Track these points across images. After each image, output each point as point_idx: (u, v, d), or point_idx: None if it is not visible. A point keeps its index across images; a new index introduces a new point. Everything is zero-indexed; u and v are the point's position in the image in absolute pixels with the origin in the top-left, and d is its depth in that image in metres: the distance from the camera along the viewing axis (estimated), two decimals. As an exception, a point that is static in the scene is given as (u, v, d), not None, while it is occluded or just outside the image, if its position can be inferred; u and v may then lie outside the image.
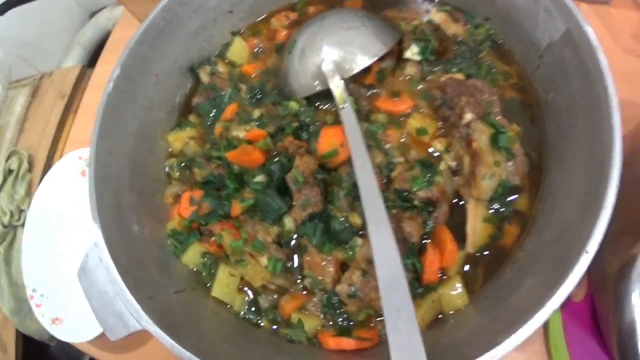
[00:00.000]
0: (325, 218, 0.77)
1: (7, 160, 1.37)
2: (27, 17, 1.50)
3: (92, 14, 1.77)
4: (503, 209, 0.77)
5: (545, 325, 0.81)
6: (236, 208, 0.80)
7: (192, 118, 0.97)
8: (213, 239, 0.80)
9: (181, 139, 0.94)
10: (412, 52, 0.85)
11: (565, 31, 0.74)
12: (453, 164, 0.80)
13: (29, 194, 1.34)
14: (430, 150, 0.81)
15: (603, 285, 0.71)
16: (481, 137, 0.75)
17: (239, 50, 1.00)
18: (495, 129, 0.76)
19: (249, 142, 0.82)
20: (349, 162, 0.79)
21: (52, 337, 1.36)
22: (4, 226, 1.33)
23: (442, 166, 0.79)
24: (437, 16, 0.91)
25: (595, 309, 0.77)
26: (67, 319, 1.10)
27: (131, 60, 0.88)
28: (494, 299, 0.70)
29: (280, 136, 0.83)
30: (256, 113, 0.90)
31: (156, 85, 0.94)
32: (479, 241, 0.75)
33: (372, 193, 0.68)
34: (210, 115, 0.95)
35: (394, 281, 0.61)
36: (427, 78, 0.86)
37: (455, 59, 0.87)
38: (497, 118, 0.79)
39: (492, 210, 0.77)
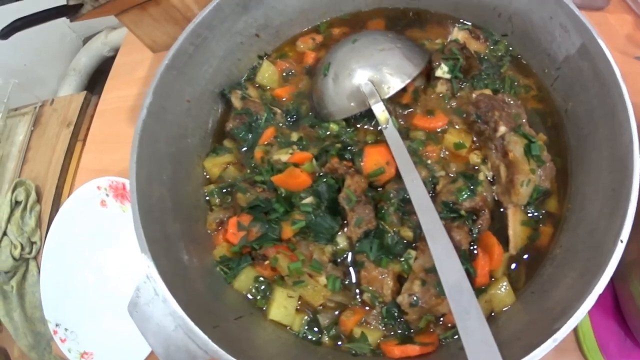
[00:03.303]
0: (378, 234, 0.80)
1: (13, 191, 1.33)
2: (22, 44, 1.47)
3: (86, 40, 1.74)
4: (537, 213, 0.81)
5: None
6: (287, 231, 0.82)
7: (227, 143, 0.98)
8: (267, 262, 0.82)
9: (218, 165, 0.94)
10: (443, 70, 0.89)
11: (581, 45, 0.79)
12: (490, 174, 0.84)
13: (39, 225, 1.31)
14: (467, 162, 0.85)
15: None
16: (516, 147, 0.80)
17: (268, 73, 1.01)
18: (527, 140, 0.81)
19: (295, 165, 0.84)
20: (394, 179, 0.83)
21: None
22: (15, 259, 1.29)
23: (481, 177, 0.83)
24: (459, 35, 0.95)
25: (617, 296, 0.82)
26: (98, 353, 1.09)
27: (163, 87, 0.88)
28: (540, 292, 0.74)
29: (325, 158, 0.85)
30: (295, 136, 0.92)
31: (188, 111, 0.94)
32: (520, 243, 0.80)
33: (426, 207, 0.73)
34: (246, 139, 0.96)
35: (458, 286, 0.65)
36: (457, 95, 0.91)
37: (480, 75, 0.92)
38: (525, 128, 0.84)
39: (529, 214, 0.81)
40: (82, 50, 1.67)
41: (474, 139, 0.87)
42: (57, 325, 1.14)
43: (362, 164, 0.83)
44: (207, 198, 0.94)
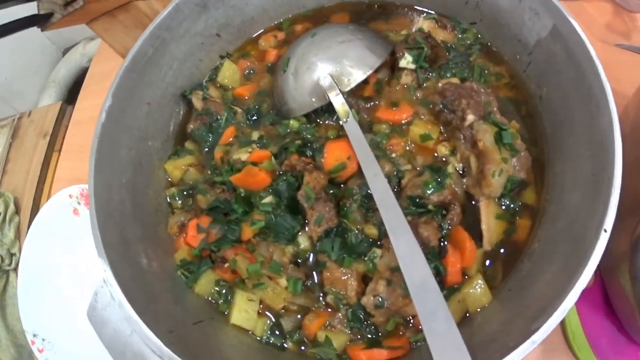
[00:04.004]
0: (340, 232, 0.76)
1: (-8, 204, 1.32)
2: (1, 58, 1.46)
3: (65, 51, 1.73)
4: (512, 205, 0.77)
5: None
6: (247, 231, 0.79)
7: (188, 145, 0.95)
8: (226, 265, 0.78)
9: (180, 167, 0.92)
10: (407, 60, 0.86)
11: (552, 27, 0.77)
12: (459, 165, 0.80)
13: (18, 237, 1.30)
14: (435, 154, 0.82)
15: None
16: (485, 136, 0.76)
17: (230, 73, 0.99)
18: (498, 127, 0.77)
19: (254, 163, 0.81)
20: (357, 174, 0.79)
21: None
22: (-5, 271, 1.28)
23: (450, 169, 0.79)
24: (425, 24, 0.92)
25: (607, 291, 0.79)
26: (75, 363, 1.06)
27: (122, 90, 0.86)
28: (518, 290, 0.71)
29: (284, 155, 0.82)
30: (255, 134, 0.89)
31: (149, 114, 0.92)
32: (495, 238, 0.76)
33: (389, 202, 0.69)
34: (207, 140, 0.93)
35: (424, 285, 0.61)
36: (424, 85, 0.87)
37: (448, 65, 0.89)
38: (496, 117, 0.80)
39: (503, 207, 0.77)
40: (61, 62, 1.67)
41: (442, 129, 0.83)
42: (34, 335, 1.12)
43: (323, 160, 0.80)
44: (169, 201, 0.91)
